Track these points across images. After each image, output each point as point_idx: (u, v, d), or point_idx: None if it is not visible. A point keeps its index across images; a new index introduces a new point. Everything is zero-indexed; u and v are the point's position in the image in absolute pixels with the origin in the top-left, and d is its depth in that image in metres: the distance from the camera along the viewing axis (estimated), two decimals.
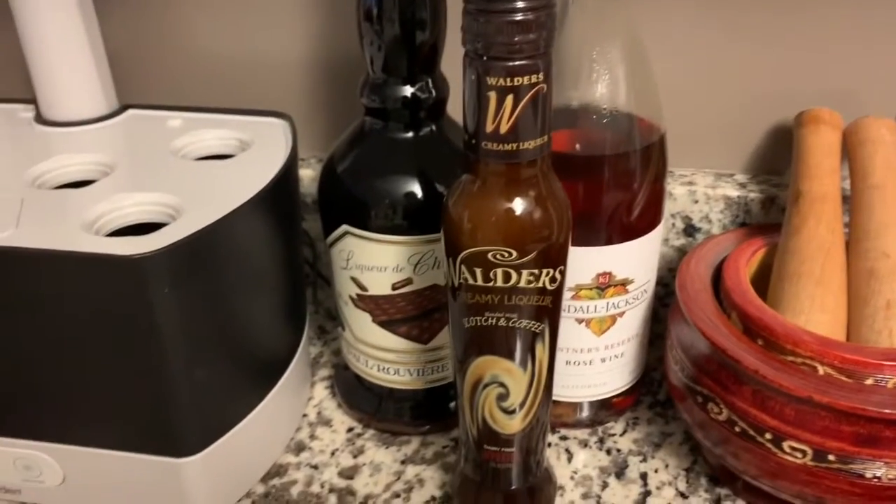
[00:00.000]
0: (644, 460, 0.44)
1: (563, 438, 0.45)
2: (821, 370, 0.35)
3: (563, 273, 0.33)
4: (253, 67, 0.53)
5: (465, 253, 0.32)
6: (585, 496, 0.42)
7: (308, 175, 0.53)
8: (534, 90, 0.29)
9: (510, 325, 0.33)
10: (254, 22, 0.52)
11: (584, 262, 0.40)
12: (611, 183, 0.39)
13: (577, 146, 0.39)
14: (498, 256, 0.32)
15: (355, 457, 0.44)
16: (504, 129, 0.30)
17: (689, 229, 0.49)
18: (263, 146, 0.42)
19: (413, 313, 0.42)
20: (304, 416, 0.47)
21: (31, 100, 0.46)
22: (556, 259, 0.33)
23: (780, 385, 0.34)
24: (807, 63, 0.46)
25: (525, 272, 0.32)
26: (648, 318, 0.45)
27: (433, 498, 0.42)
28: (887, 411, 0.33)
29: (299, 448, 0.45)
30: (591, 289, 0.41)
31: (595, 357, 0.43)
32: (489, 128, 0.30)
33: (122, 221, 0.37)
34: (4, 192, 0.37)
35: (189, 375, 0.36)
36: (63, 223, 0.35)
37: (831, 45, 0.45)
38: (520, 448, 0.37)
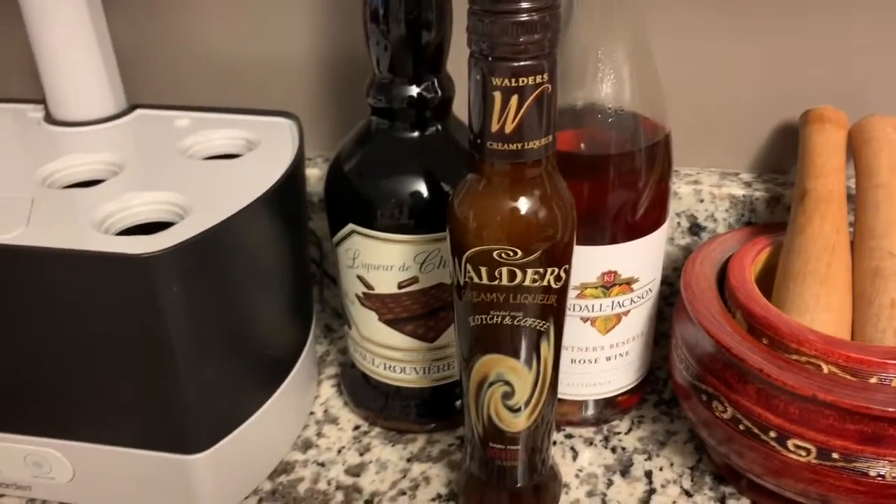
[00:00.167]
0: (649, 458, 0.44)
1: (569, 437, 0.46)
2: (825, 369, 0.35)
3: (567, 272, 0.33)
4: (260, 67, 0.53)
5: (470, 252, 0.32)
6: (590, 494, 0.42)
7: (314, 174, 0.54)
8: (538, 90, 0.29)
9: (515, 323, 0.34)
10: (261, 21, 0.52)
11: (589, 261, 0.40)
12: (616, 182, 0.39)
13: (583, 146, 0.40)
14: (503, 255, 0.32)
15: (362, 454, 0.45)
16: (509, 129, 0.30)
17: (695, 228, 0.49)
18: (270, 146, 0.43)
19: (419, 312, 0.42)
20: (311, 413, 0.48)
21: (41, 100, 0.46)
22: (560, 258, 0.33)
23: (784, 384, 0.35)
24: (812, 62, 0.46)
25: (530, 271, 0.32)
26: (653, 316, 0.45)
27: (439, 495, 0.42)
28: (891, 410, 0.33)
29: (306, 445, 0.45)
30: (596, 287, 0.41)
31: (600, 355, 0.43)
32: (494, 128, 0.30)
33: (131, 220, 0.38)
34: (15, 192, 0.38)
35: (197, 373, 0.36)
36: (73, 222, 0.35)
37: (837, 44, 0.45)
38: (525, 446, 0.37)
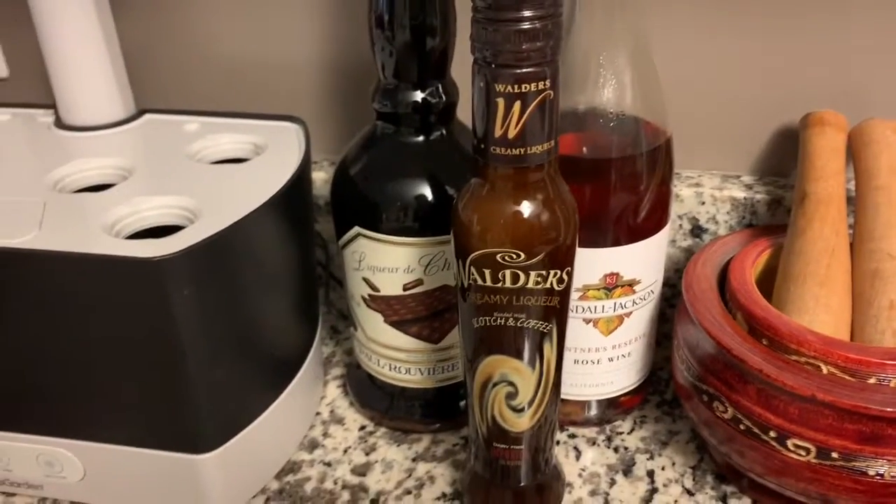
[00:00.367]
0: (651, 458, 0.44)
1: (572, 436, 0.46)
2: (824, 369, 0.36)
3: (570, 274, 0.34)
4: (267, 70, 0.54)
5: (474, 255, 0.33)
6: (593, 493, 0.42)
7: (321, 178, 0.54)
8: (541, 96, 0.30)
9: (519, 325, 0.34)
10: (269, 25, 0.52)
11: (591, 263, 0.41)
12: (618, 185, 0.40)
13: (585, 149, 0.40)
14: (506, 258, 0.32)
15: (367, 454, 0.45)
16: (512, 134, 0.31)
17: (696, 230, 0.50)
18: (278, 150, 0.43)
19: (424, 313, 0.42)
20: (318, 414, 0.48)
21: (51, 105, 0.47)
22: (563, 260, 0.33)
23: (784, 384, 0.35)
24: (812, 65, 0.47)
25: (533, 273, 0.33)
26: (655, 318, 0.45)
27: (444, 495, 0.43)
28: (889, 410, 0.33)
29: (313, 445, 0.46)
30: (598, 289, 0.42)
31: (603, 356, 0.44)
32: (498, 133, 0.31)
33: (141, 224, 0.38)
34: (27, 196, 0.39)
35: (207, 374, 0.37)
36: (84, 226, 0.36)
37: (837, 47, 0.46)
38: (528, 446, 0.38)
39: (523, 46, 0.29)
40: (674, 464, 0.44)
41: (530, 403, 0.36)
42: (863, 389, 0.34)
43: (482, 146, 0.31)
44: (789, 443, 0.36)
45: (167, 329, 0.34)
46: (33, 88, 0.53)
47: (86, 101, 0.46)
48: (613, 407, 0.47)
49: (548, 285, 0.33)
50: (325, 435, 0.47)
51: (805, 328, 0.37)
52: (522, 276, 0.33)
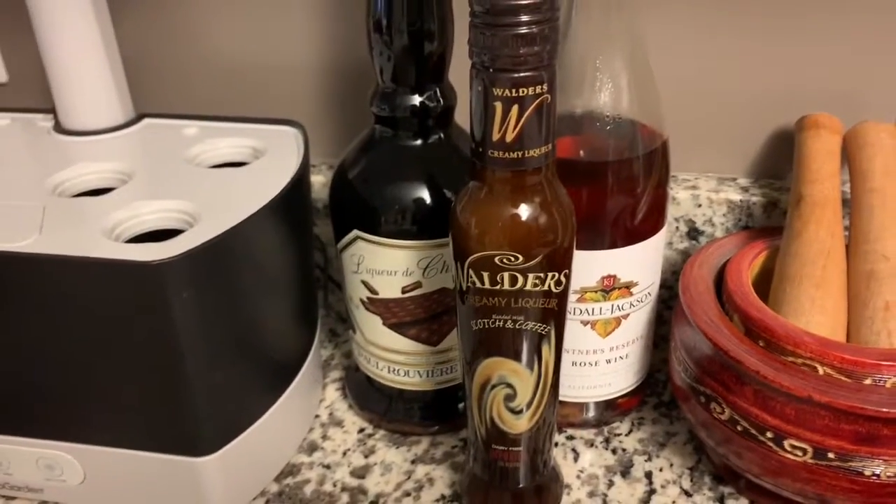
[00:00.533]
0: (649, 459, 0.45)
1: (570, 438, 0.46)
2: (821, 370, 0.36)
3: (567, 276, 0.34)
4: (266, 73, 0.54)
5: (472, 257, 0.33)
6: (591, 494, 0.43)
7: (319, 181, 0.54)
8: (538, 100, 0.30)
9: (517, 327, 0.34)
10: (267, 30, 0.53)
11: (589, 266, 0.41)
12: (615, 188, 0.40)
13: (582, 152, 0.40)
14: (505, 260, 0.33)
15: (366, 457, 0.45)
16: (510, 137, 0.31)
17: (693, 233, 0.50)
18: (276, 154, 0.43)
19: (422, 316, 0.43)
20: (317, 416, 0.48)
21: (51, 109, 0.47)
22: (561, 263, 0.34)
23: (780, 385, 0.35)
24: (807, 68, 0.47)
25: (531, 276, 0.33)
26: (653, 320, 0.45)
27: (443, 497, 0.43)
28: (885, 410, 0.33)
29: (312, 448, 0.46)
30: (595, 291, 0.42)
31: (600, 358, 0.44)
32: (495, 137, 0.31)
33: (141, 228, 0.38)
34: (27, 200, 0.39)
35: (206, 377, 0.37)
36: (84, 230, 0.36)
37: (831, 51, 0.46)
38: (527, 447, 0.38)
39: (521, 51, 0.29)
40: (671, 465, 0.44)
41: (529, 405, 0.36)
42: (859, 390, 0.35)
43: (480, 150, 0.32)
44: (786, 443, 0.36)
45: (167, 332, 0.35)
46: (33, 93, 0.53)
47: (85, 106, 0.46)
48: (611, 409, 0.47)
49: (546, 287, 0.34)
50: (325, 437, 0.47)
51: (801, 329, 0.37)
52: (521, 279, 0.33)
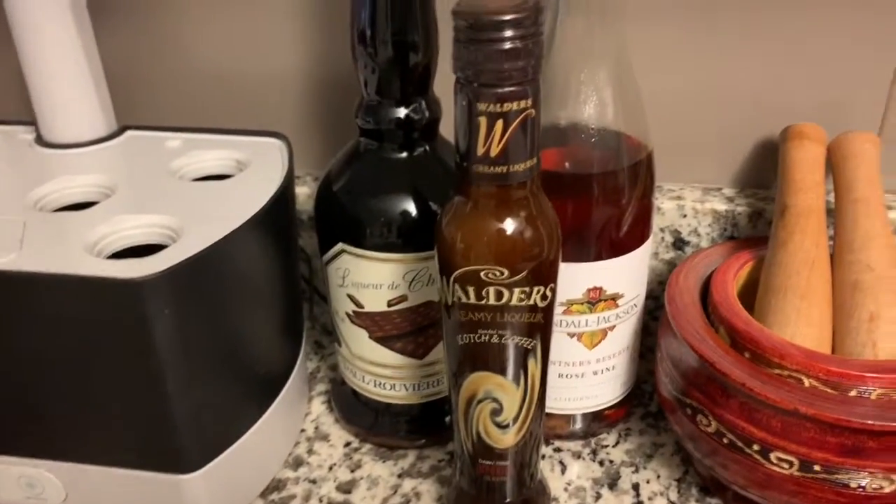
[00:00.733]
0: (636, 471, 0.45)
1: (557, 450, 0.46)
2: (806, 383, 0.36)
3: (553, 290, 0.34)
4: (251, 85, 0.54)
5: (457, 272, 0.33)
6: None
7: (305, 192, 0.54)
8: (523, 115, 0.30)
9: (503, 341, 0.34)
10: (253, 41, 0.52)
11: (574, 278, 0.41)
12: (600, 200, 0.40)
13: (567, 164, 0.40)
14: (490, 275, 0.33)
15: (353, 471, 0.45)
16: (494, 152, 0.31)
17: (679, 243, 0.50)
18: (260, 166, 0.43)
19: (408, 329, 0.42)
20: (302, 431, 0.48)
21: (32, 122, 0.47)
22: (546, 277, 0.33)
23: (766, 398, 0.35)
24: (791, 79, 0.47)
25: (517, 290, 0.33)
26: (639, 331, 0.45)
27: None
28: (870, 422, 0.33)
29: (297, 463, 0.46)
30: (582, 303, 0.42)
31: (587, 370, 0.44)
32: (480, 151, 0.31)
33: (123, 243, 0.38)
34: (8, 215, 0.38)
35: (189, 394, 0.36)
36: (65, 246, 0.36)
37: (815, 61, 0.46)
38: (514, 461, 0.38)
39: (505, 66, 0.29)
40: (658, 476, 0.44)
41: (515, 419, 0.36)
42: (844, 402, 0.35)
43: (464, 164, 0.32)
44: (772, 456, 0.36)
45: (149, 349, 0.34)
46: (14, 105, 0.53)
47: (67, 119, 0.46)
48: (598, 420, 0.47)
49: (531, 302, 0.33)
50: (310, 452, 0.46)
51: (787, 341, 0.37)
52: (506, 293, 0.33)
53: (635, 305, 0.44)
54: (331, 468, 0.45)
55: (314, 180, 0.55)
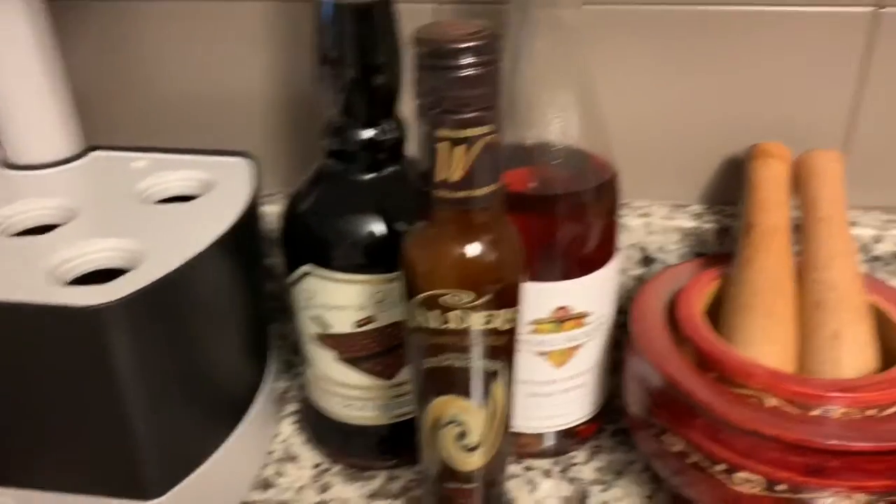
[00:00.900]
0: (606, 489, 0.45)
1: (528, 469, 0.46)
2: (770, 402, 0.36)
3: (517, 313, 0.34)
4: (222, 105, 0.54)
5: (421, 296, 0.33)
6: None
7: (275, 211, 0.54)
8: (483, 140, 0.30)
9: (467, 365, 0.34)
10: (221, 61, 0.52)
11: (541, 297, 0.41)
12: (565, 220, 0.40)
13: (533, 185, 0.40)
14: (453, 299, 0.33)
15: (322, 492, 0.45)
16: (456, 177, 0.31)
17: (646, 260, 0.50)
18: (227, 187, 0.43)
19: (376, 350, 0.42)
20: (271, 452, 0.48)
21: None
22: (510, 300, 0.33)
23: (730, 418, 0.35)
24: (757, 97, 0.48)
25: (480, 314, 0.33)
26: (608, 348, 0.46)
27: None
28: (831, 442, 0.34)
29: (266, 485, 0.45)
30: (549, 323, 0.42)
31: (556, 389, 0.44)
32: (442, 177, 0.31)
33: (86, 267, 0.38)
34: None
35: (152, 419, 0.36)
36: (25, 271, 0.35)
37: (780, 80, 0.47)
38: (481, 483, 0.38)
39: (465, 93, 0.29)
40: (628, 494, 0.44)
41: (481, 443, 0.36)
42: (807, 422, 0.35)
43: (427, 189, 0.32)
44: (737, 476, 0.36)
45: (108, 375, 0.34)
46: None
47: (30, 140, 0.45)
48: (570, 437, 0.47)
49: (495, 325, 0.33)
50: (279, 474, 0.46)
51: (751, 361, 0.37)
52: (469, 318, 0.33)
53: (602, 324, 0.44)
54: (299, 490, 0.45)
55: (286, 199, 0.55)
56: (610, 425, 0.49)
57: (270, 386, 0.47)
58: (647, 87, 0.48)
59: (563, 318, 0.42)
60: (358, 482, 0.45)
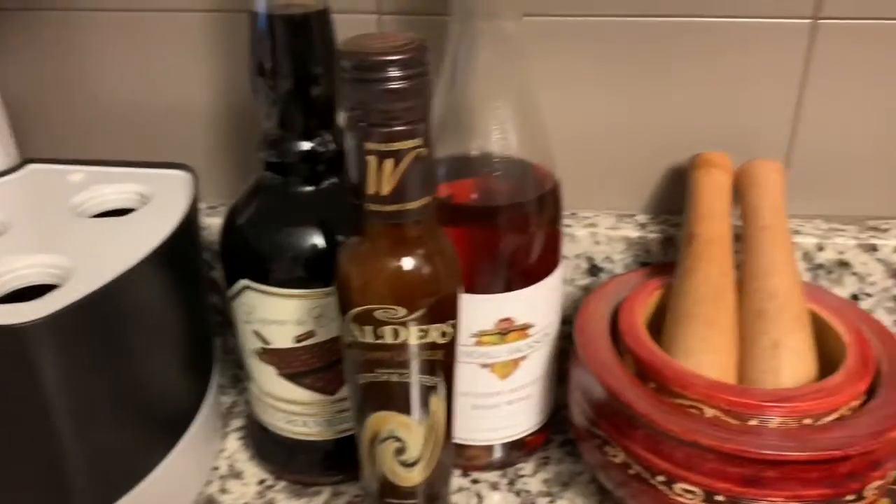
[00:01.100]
0: (552, 501, 0.44)
1: (475, 482, 0.46)
2: (709, 413, 0.36)
3: (454, 327, 0.34)
4: (161, 117, 0.53)
5: (354, 311, 0.32)
6: None
7: (218, 224, 0.53)
8: (413, 153, 0.30)
9: (403, 380, 0.34)
10: (160, 73, 0.51)
11: (484, 309, 0.41)
12: (507, 231, 0.40)
13: (475, 196, 0.40)
14: (386, 314, 0.32)
15: None
16: (386, 191, 0.30)
17: (593, 269, 0.50)
18: (164, 199, 0.42)
19: (317, 365, 0.42)
20: (216, 468, 0.47)
21: None
22: (446, 314, 0.33)
23: (668, 429, 0.35)
24: (700, 107, 0.48)
25: (415, 328, 0.33)
26: (553, 359, 0.45)
27: None
28: (766, 452, 0.34)
29: (209, 502, 0.44)
30: (492, 334, 0.42)
31: (501, 400, 0.44)
32: (371, 190, 0.30)
33: (16, 284, 0.37)
34: None
35: (82, 439, 0.35)
36: None
37: (722, 90, 0.47)
38: (424, 498, 0.37)
39: (392, 106, 0.29)
40: None
41: (420, 458, 0.36)
42: (743, 432, 0.35)
43: (358, 203, 0.31)
44: (677, 487, 0.36)
45: (35, 396, 0.33)
46: None
47: None
48: (517, 449, 0.47)
49: (431, 340, 0.33)
50: (223, 491, 0.45)
51: (690, 371, 0.37)
52: (403, 332, 0.33)
53: (547, 334, 0.44)
54: None
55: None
56: (558, 436, 0.49)
57: (214, 401, 0.47)
58: (590, 98, 0.48)
59: (507, 330, 0.42)
60: (303, 498, 0.45)
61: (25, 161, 0.46)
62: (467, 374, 0.42)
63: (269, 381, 0.43)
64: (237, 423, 0.50)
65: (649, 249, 0.49)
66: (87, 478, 0.36)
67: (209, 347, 0.46)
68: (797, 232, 0.49)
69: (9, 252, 0.37)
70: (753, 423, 0.36)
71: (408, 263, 0.32)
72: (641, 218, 0.51)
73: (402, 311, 0.32)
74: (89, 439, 0.36)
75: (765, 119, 0.48)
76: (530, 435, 0.46)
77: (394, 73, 0.28)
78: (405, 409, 0.34)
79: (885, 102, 0.47)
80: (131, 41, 0.50)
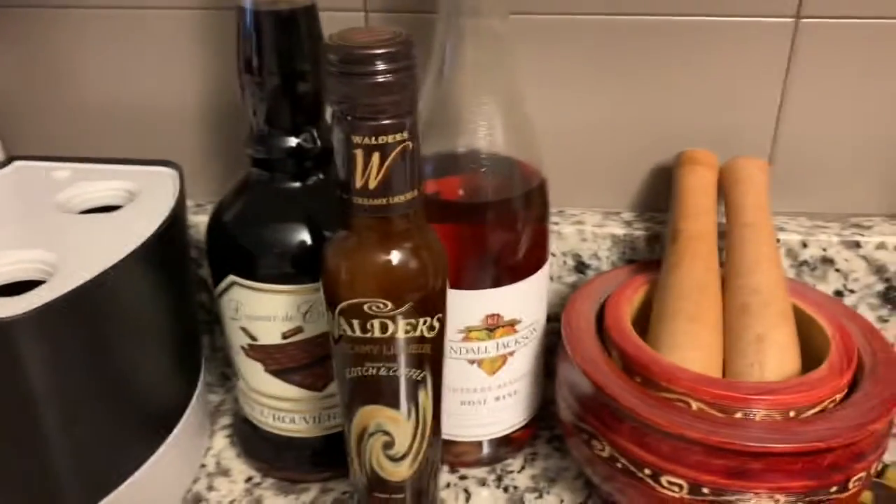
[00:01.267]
0: (540, 496, 0.45)
1: (463, 478, 0.46)
2: (694, 406, 0.36)
3: (441, 321, 0.34)
4: (148, 115, 0.53)
5: (342, 305, 0.33)
6: None
7: (204, 221, 0.53)
8: (400, 147, 0.30)
9: (391, 374, 0.34)
10: (147, 70, 0.51)
11: (472, 305, 0.41)
12: (495, 227, 0.40)
13: (462, 192, 0.40)
14: (374, 308, 0.32)
15: None
16: (373, 185, 0.30)
17: (580, 266, 0.51)
18: (151, 196, 0.42)
19: (305, 361, 0.42)
20: (203, 466, 0.47)
21: None
22: (433, 307, 0.33)
23: (654, 422, 0.36)
24: (685, 105, 0.48)
25: (402, 322, 0.33)
26: (540, 355, 0.46)
27: None
28: (751, 444, 0.34)
29: (196, 500, 0.44)
30: (480, 330, 0.42)
31: (488, 396, 0.44)
32: (359, 184, 0.31)
33: (1, 279, 0.37)
34: None
35: (68, 435, 0.35)
36: None
37: (708, 88, 0.48)
38: (411, 493, 0.38)
39: (379, 99, 0.29)
40: (562, 501, 0.44)
41: (408, 452, 0.36)
42: (728, 425, 0.35)
43: (345, 196, 0.31)
44: (663, 479, 0.36)
45: (21, 392, 0.33)
46: None
47: None
48: (504, 445, 0.47)
49: (418, 333, 0.33)
50: (210, 488, 0.45)
51: (675, 365, 0.38)
52: (391, 326, 0.33)
53: (534, 330, 0.44)
54: None
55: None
56: (545, 431, 0.49)
57: (202, 399, 0.46)
58: (577, 96, 0.48)
59: (495, 326, 0.42)
60: (291, 495, 0.45)
61: (10, 158, 0.46)
62: (455, 369, 0.42)
63: (256, 378, 0.43)
64: (225, 420, 0.50)
65: (635, 246, 0.49)
66: (74, 474, 0.36)
67: (197, 345, 0.46)
68: (781, 229, 0.49)
69: None
70: (738, 415, 0.36)
71: (395, 257, 0.32)
72: (627, 215, 0.51)
73: (389, 305, 0.32)
74: (76, 435, 0.35)
75: (749, 117, 0.48)
76: (518, 431, 0.46)
77: (380, 66, 0.28)
78: (393, 403, 0.35)
79: (867, 100, 0.47)
80: (118, 39, 0.50)
